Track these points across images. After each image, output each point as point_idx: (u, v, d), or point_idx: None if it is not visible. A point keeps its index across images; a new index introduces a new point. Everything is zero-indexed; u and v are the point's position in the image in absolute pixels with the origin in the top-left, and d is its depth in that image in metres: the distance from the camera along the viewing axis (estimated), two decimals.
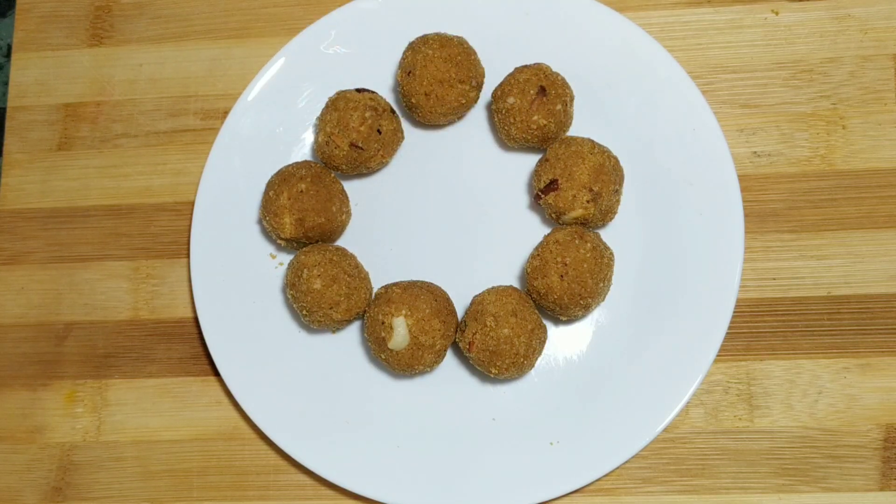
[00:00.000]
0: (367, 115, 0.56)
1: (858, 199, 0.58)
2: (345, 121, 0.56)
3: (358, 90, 0.58)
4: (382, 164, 0.59)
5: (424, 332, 0.53)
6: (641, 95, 0.58)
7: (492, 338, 0.52)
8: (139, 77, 0.65)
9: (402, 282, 0.55)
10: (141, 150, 0.64)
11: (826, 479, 0.55)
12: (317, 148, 0.58)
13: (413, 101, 0.57)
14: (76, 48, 0.66)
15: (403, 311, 0.52)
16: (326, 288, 0.54)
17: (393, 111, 0.58)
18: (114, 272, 0.62)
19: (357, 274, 0.56)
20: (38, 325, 0.62)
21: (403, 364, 0.54)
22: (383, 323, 0.53)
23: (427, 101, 0.57)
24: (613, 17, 0.58)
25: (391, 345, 0.53)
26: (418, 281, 0.56)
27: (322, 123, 0.57)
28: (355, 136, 0.56)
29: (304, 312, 0.55)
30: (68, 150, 0.65)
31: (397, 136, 0.58)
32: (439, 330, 0.53)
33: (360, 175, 0.60)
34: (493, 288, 0.55)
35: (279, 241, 0.57)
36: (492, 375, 0.54)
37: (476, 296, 0.55)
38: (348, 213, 0.58)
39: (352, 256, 0.57)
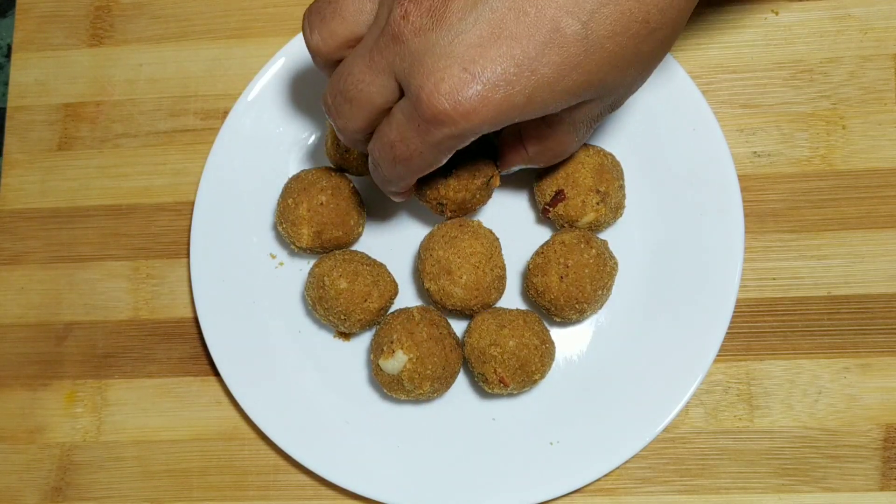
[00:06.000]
0: None
1: (858, 199, 0.58)
2: None
3: None
4: None
5: (412, 380, 0.52)
6: (641, 95, 0.58)
7: (509, 357, 0.52)
8: (139, 77, 0.65)
9: (434, 315, 0.54)
10: (141, 150, 0.64)
11: (826, 479, 0.55)
12: (326, 152, 0.57)
13: None
14: (76, 48, 0.66)
15: (412, 354, 0.52)
16: (353, 283, 0.53)
17: None
18: (114, 272, 0.62)
19: (373, 263, 0.56)
20: (38, 325, 0.62)
21: (380, 379, 0.54)
22: (391, 343, 0.53)
23: None
24: None
25: (381, 362, 0.53)
26: (447, 323, 0.55)
27: (331, 127, 0.57)
28: None
29: (342, 317, 0.54)
30: (68, 150, 0.65)
31: None
32: (427, 388, 0.53)
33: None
34: (468, 331, 0.54)
35: (293, 248, 0.57)
36: (536, 381, 0.53)
37: (462, 338, 0.55)
38: (363, 226, 0.58)
39: (359, 252, 0.56)
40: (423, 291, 0.57)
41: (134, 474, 0.59)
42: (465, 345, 0.54)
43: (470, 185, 0.54)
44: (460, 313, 0.55)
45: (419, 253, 0.55)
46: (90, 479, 0.60)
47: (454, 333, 0.55)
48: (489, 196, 0.56)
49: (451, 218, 0.56)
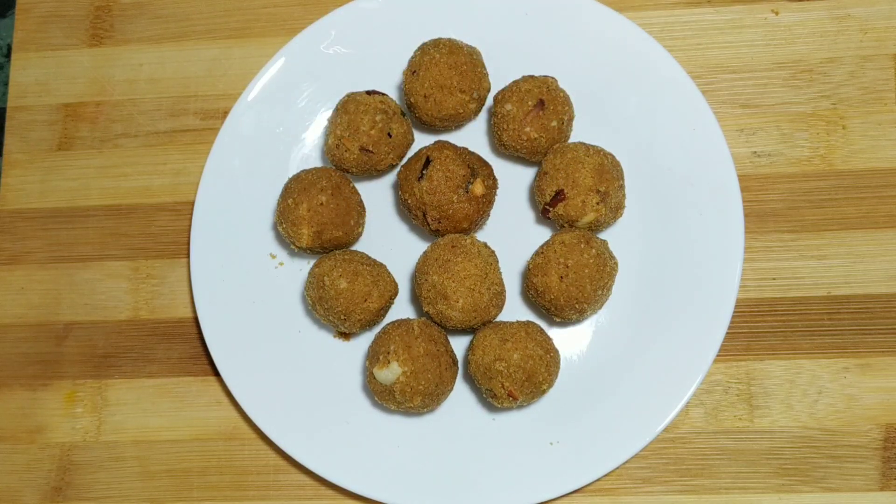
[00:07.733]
0: (378, 118, 0.56)
1: (858, 199, 0.58)
2: (355, 124, 0.56)
3: (368, 92, 0.57)
4: (392, 167, 0.59)
5: (403, 393, 0.52)
6: (641, 95, 0.58)
7: (515, 370, 0.52)
8: (139, 77, 0.65)
9: (434, 331, 0.54)
10: (141, 150, 0.64)
11: (826, 479, 0.55)
12: (326, 150, 0.57)
13: (412, 100, 0.57)
14: (76, 48, 0.66)
15: (406, 368, 0.52)
16: (353, 283, 0.53)
17: (403, 113, 0.58)
18: (114, 272, 0.62)
19: (373, 263, 0.56)
20: (38, 325, 0.62)
21: (373, 387, 0.54)
22: (387, 353, 0.53)
23: (425, 103, 0.56)
24: (613, 18, 0.58)
25: (375, 370, 0.53)
26: (446, 340, 0.55)
27: (332, 126, 0.57)
28: (365, 140, 0.56)
29: (342, 317, 0.54)
30: (68, 150, 0.65)
31: (407, 139, 0.58)
32: (417, 402, 0.53)
33: (370, 177, 0.60)
34: (471, 348, 0.54)
35: (293, 248, 0.57)
36: (545, 391, 0.53)
37: (465, 355, 0.55)
38: (363, 225, 0.58)
39: (360, 252, 0.56)
40: (422, 312, 0.56)
41: (134, 474, 0.59)
42: (469, 362, 0.54)
43: (444, 188, 0.54)
44: (461, 331, 0.55)
45: (415, 276, 0.55)
46: (90, 479, 0.60)
47: (452, 351, 0.55)
48: (479, 211, 0.55)
49: (442, 234, 0.56)
